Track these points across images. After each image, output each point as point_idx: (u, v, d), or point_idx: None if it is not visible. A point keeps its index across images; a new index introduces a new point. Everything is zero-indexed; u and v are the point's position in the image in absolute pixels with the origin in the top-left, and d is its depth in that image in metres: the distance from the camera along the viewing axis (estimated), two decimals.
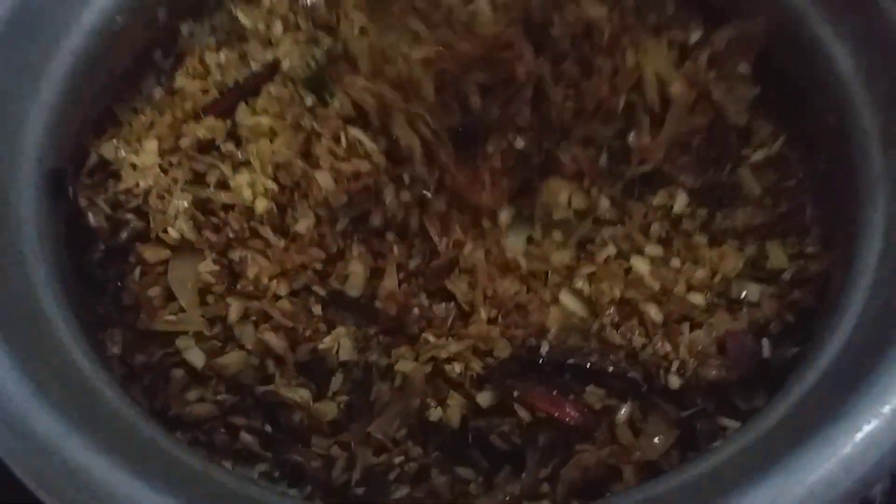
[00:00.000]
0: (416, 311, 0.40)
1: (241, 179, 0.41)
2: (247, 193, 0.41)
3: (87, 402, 0.29)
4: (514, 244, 0.44)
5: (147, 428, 0.30)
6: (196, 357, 0.37)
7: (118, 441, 0.28)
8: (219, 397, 0.36)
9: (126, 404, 0.31)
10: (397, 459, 0.35)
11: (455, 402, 0.37)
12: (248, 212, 0.41)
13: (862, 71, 0.39)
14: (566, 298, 0.41)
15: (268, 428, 0.37)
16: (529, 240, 0.44)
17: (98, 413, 0.29)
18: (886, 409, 0.27)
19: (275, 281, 0.39)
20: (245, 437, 0.36)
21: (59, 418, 0.27)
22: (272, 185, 0.41)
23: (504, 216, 0.45)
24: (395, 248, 0.42)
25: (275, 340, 0.38)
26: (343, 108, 0.44)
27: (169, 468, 0.28)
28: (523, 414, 0.36)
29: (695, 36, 0.46)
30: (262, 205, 0.41)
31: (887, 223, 0.36)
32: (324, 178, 0.42)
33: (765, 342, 0.38)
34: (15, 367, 0.28)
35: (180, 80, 0.46)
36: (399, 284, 0.41)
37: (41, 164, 0.37)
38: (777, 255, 0.42)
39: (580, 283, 0.41)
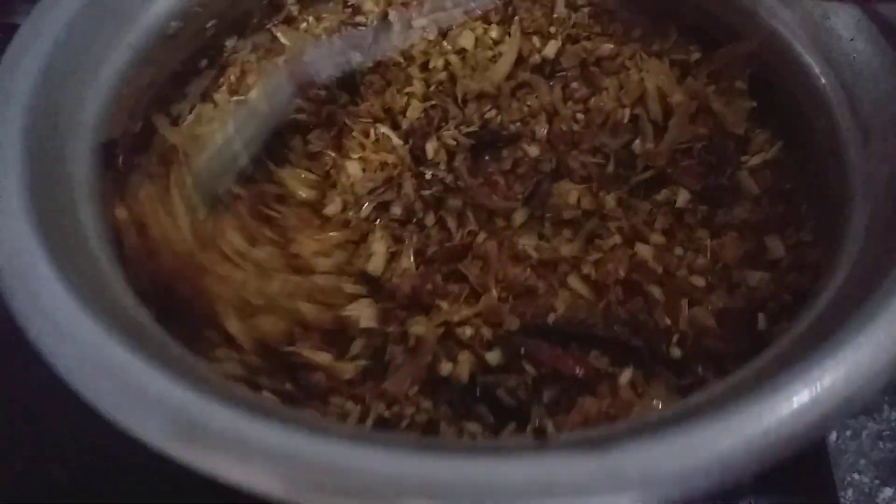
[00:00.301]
0: (429, 286, 0.43)
1: None
2: None
3: (129, 325, 0.32)
4: (526, 240, 0.47)
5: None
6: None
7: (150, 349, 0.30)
8: (245, 358, 0.39)
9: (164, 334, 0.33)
10: (408, 411, 0.37)
11: (465, 359, 0.39)
12: None
13: (838, 82, 0.42)
14: (574, 282, 0.43)
15: (288, 386, 0.39)
16: (540, 236, 0.47)
17: (138, 331, 0.32)
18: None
19: None
20: (267, 395, 0.38)
21: (104, 330, 0.30)
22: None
23: (518, 216, 0.48)
24: (414, 237, 0.46)
25: (306, 308, 0.41)
26: (373, 108, 0.48)
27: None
28: (529, 369, 0.38)
29: (694, 56, 0.51)
30: None
31: (869, 217, 0.38)
32: (352, 167, 0.45)
33: (760, 317, 0.40)
34: (66, 286, 0.31)
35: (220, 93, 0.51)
36: (416, 267, 0.44)
37: (96, 135, 0.40)
38: (776, 247, 0.44)
39: (587, 269, 0.43)
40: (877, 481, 0.68)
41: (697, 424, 0.28)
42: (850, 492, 0.67)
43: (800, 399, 0.28)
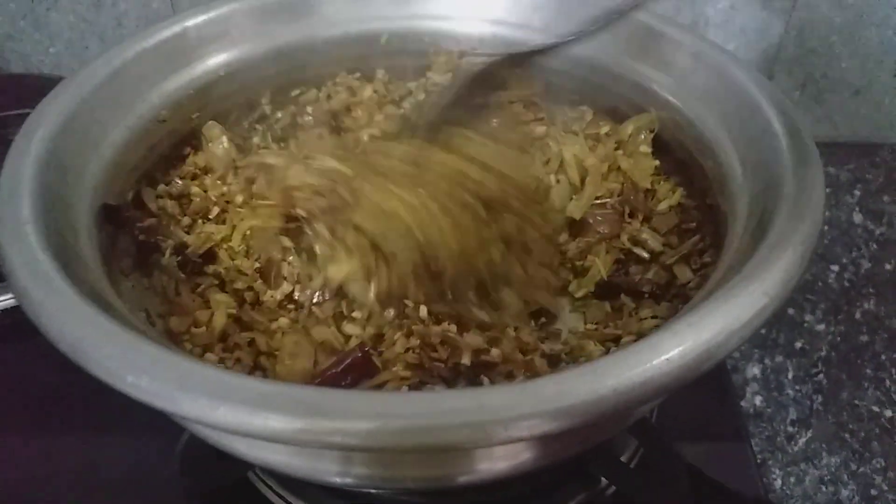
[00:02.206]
0: None
1: None
2: None
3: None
4: None
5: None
6: None
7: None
8: None
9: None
10: None
11: None
12: None
13: (719, 129, 0.52)
14: None
15: None
16: None
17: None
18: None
19: None
20: None
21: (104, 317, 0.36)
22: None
23: None
24: None
25: None
26: None
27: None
28: None
29: (604, 130, 0.60)
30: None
31: (743, 229, 0.45)
32: None
33: None
34: (71, 287, 0.37)
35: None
36: None
37: (96, 193, 0.47)
38: (684, 273, 0.51)
39: None
40: None
41: (600, 366, 0.33)
42: None
43: (674, 349, 0.34)
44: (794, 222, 0.40)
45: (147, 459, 0.55)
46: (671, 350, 0.33)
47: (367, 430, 0.31)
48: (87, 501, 0.53)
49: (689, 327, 0.34)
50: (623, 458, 0.53)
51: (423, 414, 0.31)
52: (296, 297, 0.50)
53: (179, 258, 0.50)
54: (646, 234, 0.55)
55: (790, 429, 0.77)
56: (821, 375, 0.79)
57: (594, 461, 0.50)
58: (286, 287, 0.51)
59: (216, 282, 0.51)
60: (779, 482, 0.74)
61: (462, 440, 0.31)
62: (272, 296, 0.50)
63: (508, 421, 0.31)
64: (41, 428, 0.58)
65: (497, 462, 0.38)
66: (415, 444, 0.31)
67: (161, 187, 0.56)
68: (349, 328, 0.48)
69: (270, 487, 0.51)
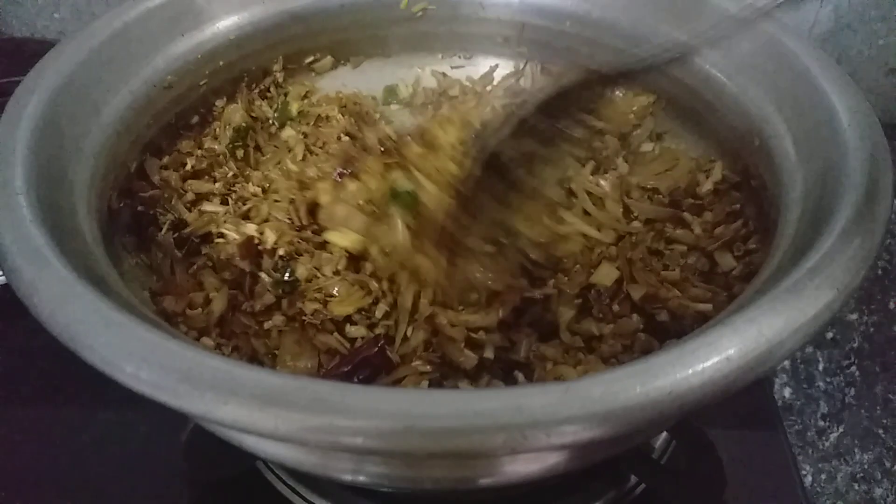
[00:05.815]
0: None
1: None
2: None
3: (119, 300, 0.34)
4: None
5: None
6: None
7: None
8: None
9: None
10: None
11: None
12: None
13: (767, 103, 0.47)
14: None
15: None
16: None
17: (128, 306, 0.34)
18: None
19: None
20: None
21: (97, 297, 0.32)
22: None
23: None
24: None
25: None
26: None
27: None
28: None
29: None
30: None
31: (800, 214, 0.41)
32: None
33: None
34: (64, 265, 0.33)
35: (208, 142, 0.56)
36: None
37: (97, 161, 0.44)
38: (726, 261, 0.48)
39: None
40: None
41: (653, 365, 0.30)
42: None
43: (733, 347, 0.30)
44: (862, 209, 0.36)
45: (153, 441, 0.52)
46: (730, 348, 0.30)
47: (393, 431, 0.27)
48: (91, 482, 0.51)
49: (750, 323, 0.31)
50: (653, 454, 0.50)
51: (455, 415, 0.28)
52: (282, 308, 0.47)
53: (176, 235, 0.47)
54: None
55: (821, 423, 0.73)
56: (853, 367, 0.76)
57: (624, 459, 0.47)
58: (268, 298, 0.47)
59: (210, 263, 0.48)
60: (809, 479, 0.71)
61: (498, 445, 0.27)
62: (251, 306, 0.47)
63: (550, 425, 0.28)
64: (45, 404, 0.56)
65: (529, 464, 0.35)
66: (445, 448, 0.28)
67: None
68: (353, 331, 0.45)
69: (280, 478, 0.48)
